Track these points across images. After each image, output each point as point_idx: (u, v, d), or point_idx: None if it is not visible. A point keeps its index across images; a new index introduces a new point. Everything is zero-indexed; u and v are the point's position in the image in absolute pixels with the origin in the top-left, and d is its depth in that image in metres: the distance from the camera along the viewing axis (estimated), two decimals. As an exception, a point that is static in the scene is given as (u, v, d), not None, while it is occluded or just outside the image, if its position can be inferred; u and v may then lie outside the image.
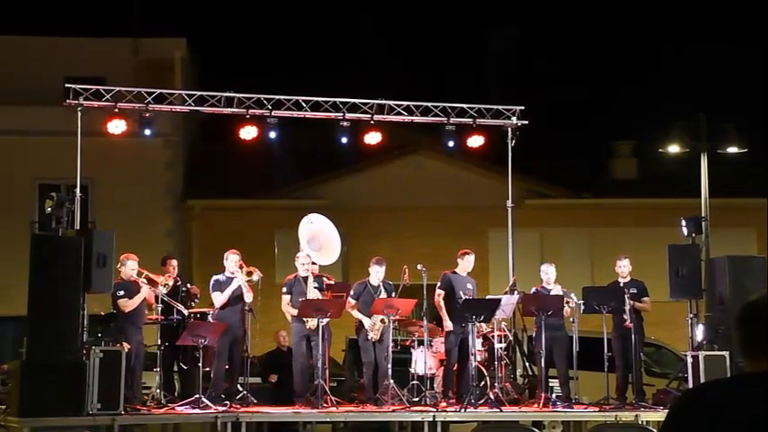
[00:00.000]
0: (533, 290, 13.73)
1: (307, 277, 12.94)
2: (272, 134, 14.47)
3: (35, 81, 23.54)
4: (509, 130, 15.08)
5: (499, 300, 13.11)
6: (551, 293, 13.22)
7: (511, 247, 15.05)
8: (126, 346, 11.96)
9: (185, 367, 13.16)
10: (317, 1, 33.67)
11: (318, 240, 13.66)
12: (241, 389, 12.87)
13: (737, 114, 22.67)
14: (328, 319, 12.68)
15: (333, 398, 12.43)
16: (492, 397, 12.31)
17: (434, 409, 12.16)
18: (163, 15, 27.27)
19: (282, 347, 15.04)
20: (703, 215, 17.26)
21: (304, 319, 12.71)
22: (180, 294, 13.25)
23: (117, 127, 14.14)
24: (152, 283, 12.72)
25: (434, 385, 13.18)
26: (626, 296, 13.07)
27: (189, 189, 24.97)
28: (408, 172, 24.74)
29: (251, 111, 14.33)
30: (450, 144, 15.22)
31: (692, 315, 13.38)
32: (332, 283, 13.44)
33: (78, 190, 13.24)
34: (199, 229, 24.59)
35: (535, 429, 11.77)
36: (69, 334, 11.59)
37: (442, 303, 13.18)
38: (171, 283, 13.01)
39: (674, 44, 30.90)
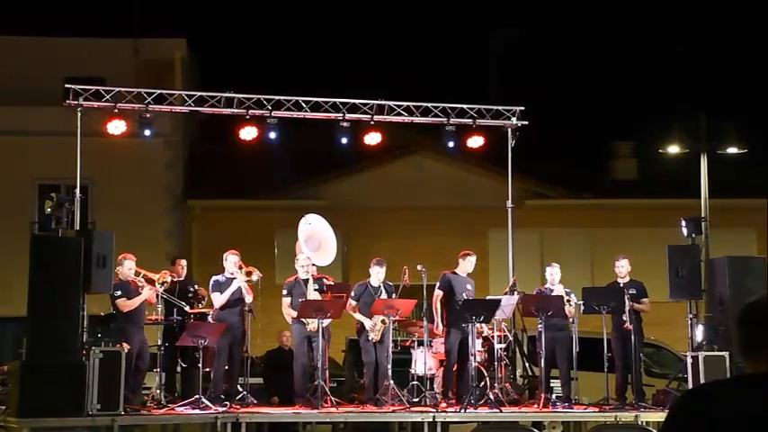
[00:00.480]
0: (537, 290, 13.74)
1: (307, 280, 12.94)
2: (272, 134, 14.47)
3: (35, 81, 23.54)
4: (509, 130, 15.08)
5: (499, 300, 13.11)
6: (554, 294, 13.22)
7: (511, 247, 15.05)
8: (126, 346, 11.95)
9: (185, 366, 13.16)
10: (316, 1, 33.69)
11: (316, 241, 13.67)
12: (241, 389, 12.88)
13: (737, 115, 22.72)
14: (329, 320, 12.69)
15: (333, 398, 12.44)
16: (492, 397, 12.31)
17: (434, 410, 12.16)
18: (163, 16, 27.30)
19: (285, 347, 15.03)
20: (703, 216, 17.29)
21: (304, 320, 12.71)
22: (188, 295, 13.22)
23: (117, 127, 14.14)
24: (150, 282, 12.73)
25: (434, 386, 13.18)
26: (626, 297, 13.07)
27: (189, 189, 24.97)
28: (408, 172, 24.75)
29: (251, 111, 14.33)
30: (451, 144, 15.22)
31: (691, 316, 13.37)
32: (331, 283, 13.44)
33: (78, 190, 13.24)
34: (199, 229, 24.59)
35: (535, 430, 11.77)
36: (69, 334, 11.59)
37: (438, 305, 13.17)
38: (169, 280, 13.01)
39: (674, 44, 30.92)
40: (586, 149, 27.45)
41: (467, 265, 13.42)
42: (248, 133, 14.50)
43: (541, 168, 24.74)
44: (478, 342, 13.17)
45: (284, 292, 13.11)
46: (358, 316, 13.02)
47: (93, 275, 11.79)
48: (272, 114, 14.33)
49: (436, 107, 14.83)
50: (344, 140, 14.75)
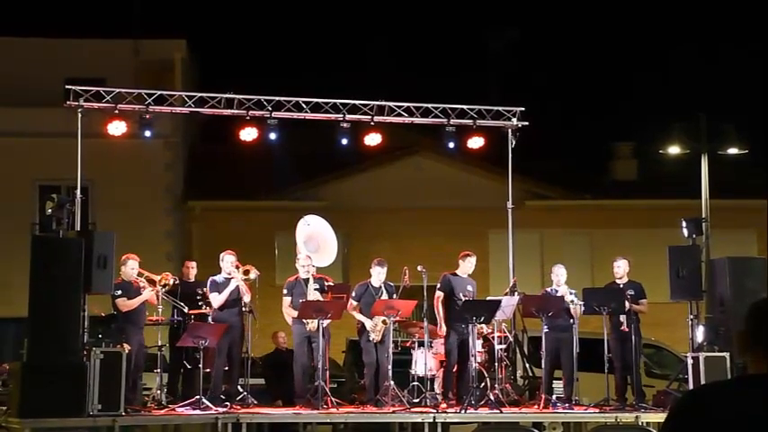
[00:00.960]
0: (543, 291, 13.74)
1: (307, 279, 12.94)
2: (273, 135, 14.48)
3: (35, 82, 23.55)
4: (509, 131, 15.08)
5: (499, 301, 13.11)
6: (557, 295, 13.22)
7: (511, 248, 15.06)
8: (126, 347, 11.96)
9: (189, 366, 13.17)
10: (317, 2, 33.69)
11: (315, 242, 13.67)
12: (241, 390, 12.88)
13: (737, 115, 22.72)
14: (329, 321, 12.69)
15: (333, 399, 12.44)
16: (492, 398, 12.31)
17: (435, 411, 12.17)
18: (163, 16, 27.30)
19: (281, 348, 15.04)
20: (704, 216, 17.28)
21: (304, 320, 12.71)
22: (196, 297, 13.21)
23: (117, 128, 14.15)
24: (151, 283, 12.74)
25: (435, 386, 13.17)
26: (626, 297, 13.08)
27: (189, 190, 24.97)
28: (408, 173, 24.75)
29: (251, 112, 14.33)
30: (451, 145, 15.23)
31: (692, 316, 13.37)
32: (331, 284, 13.44)
33: (79, 191, 13.26)
34: (199, 230, 24.58)
35: (535, 430, 11.78)
36: (70, 335, 11.59)
37: (440, 306, 13.16)
38: (171, 282, 13.02)
39: (674, 45, 30.92)
40: (587, 150, 27.46)
41: (467, 265, 13.41)
42: (248, 134, 14.51)
43: (542, 169, 24.74)
44: (479, 343, 13.17)
45: (285, 291, 13.11)
46: (359, 316, 13.02)
47: (93, 276, 11.80)
48: (273, 115, 14.34)
49: (436, 108, 14.83)
50: (345, 141, 14.76)
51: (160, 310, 12.98)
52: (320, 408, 12.14)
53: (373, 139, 15.03)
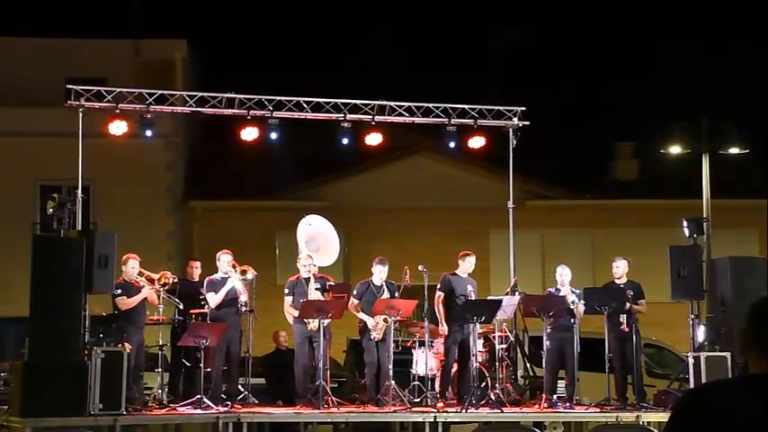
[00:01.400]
0: (547, 291, 13.75)
1: (308, 279, 12.95)
2: (274, 135, 14.48)
3: (36, 82, 23.55)
4: (510, 130, 15.08)
5: (500, 301, 13.11)
6: (560, 295, 13.22)
7: (512, 248, 15.06)
8: (128, 346, 11.98)
9: (188, 365, 13.18)
10: (318, 2, 33.70)
11: (317, 242, 13.68)
12: (242, 389, 12.88)
13: (739, 115, 22.69)
14: (329, 320, 12.69)
15: (334, 398, 12.45)
16: (493, 398, 12.32)
17: (435, 410, 12.17)
18: (163, 16, 27.32)
19: (282, 348, 15.04)
20: (705, 216, 17.28)
21: (305, 320, 12.72)
22: (199, 297, 13.22)
23: (118, 128, 14.15)
24: (151, 282, 12.76)
25: (435, 386, 13.17)
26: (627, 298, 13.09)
27: (190, 190, 24.97)
28: (409, 173, 24.74)
29: (252, 112, 14.34)
30: (452, 145, 15.22)
31: (693, 316, 13.37)
32: (332, 283, 13.45)
33: (80, 191, 13.29)
34: (200, 230, 24.58)
35: (536, 430, 11.78)
36: (71, 334, 11.60)
37: (441, 306, 13.16)
38: (171, 281, 13.03)
39: (674, 44, 30.91)
40: (587, 150, 27.44)
41: (467, 265, 13.41)
42: (249, 134, 14.51)
43: (542, 169, 24.73)
44: (480, 342, 13.17)
45: (286, 291, 13.11)
46: (360, 315, 13.03)
47: (94, 276, 11.81)
48: (273, 115, 14.34)
49: (437, 107, 14.83)
50: (345, 141, 14.76)
51: (161, 309, 12.99)
52: (321, 407, 12.15)
53: (374, 139, 15.03)
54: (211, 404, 12.09)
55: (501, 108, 15.00)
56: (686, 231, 13.67)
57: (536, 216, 22.96)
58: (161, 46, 25.40)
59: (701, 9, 31.14)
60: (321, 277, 13.18)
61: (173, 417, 12.31)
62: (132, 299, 12.45)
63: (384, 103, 14.69)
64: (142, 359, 12.73)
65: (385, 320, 12.80)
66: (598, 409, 12.77)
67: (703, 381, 12.14)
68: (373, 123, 14.74)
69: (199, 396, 12.14)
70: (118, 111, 14.00)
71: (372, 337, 12.91)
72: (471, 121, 14.87)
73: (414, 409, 12.34)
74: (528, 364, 14.59)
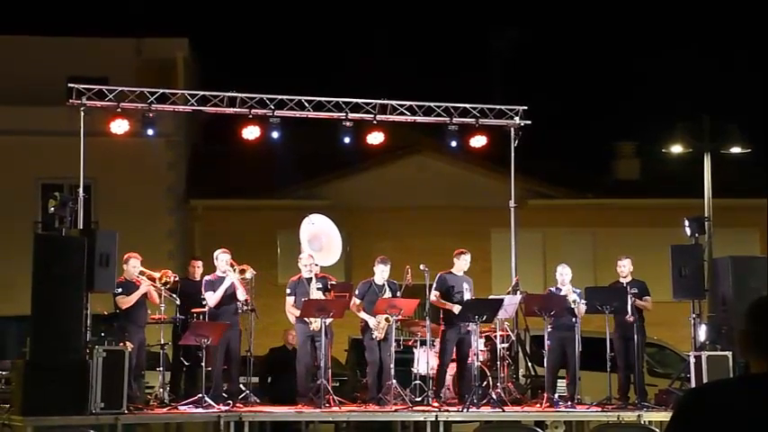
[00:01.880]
0: (548, 290, 13.75)
1: (310, 278, 12.95)
2: (275, 134, 14.48)
3: (38, 81, 23.54)
4: (512, 130, 15.07)
5: (502, 300, 13.11)
6: (561, 294, 13.22)
7: (513, 247, 15.06)
8: (129, 345, 11.98)
9: (188, 364, 13.19)
10: (319, 1, 33.70)
11: (320, 241, 13.68)
12: (244, 388, 12.88)
13: (740, 115, 22.68)
14: (331, 320, 12.69)
15: (335, 397, 12.45)
16: (494, 397, 12.33)
17: (437, 409, 12.17)
18: (165, 15, 27.35)
19: (289, 346, 15.03)
20: (706, 215, 17.28)
21: (307, 319, 12.72)
22: (200, 296, 13.22)
23: (120, 127, 14.15)
24: (151, 280, 12.76)
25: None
26: (629, 296, 13.08)
27: (191, 189, 24.97)
28: (411, 172, 24.75)
29: (253, 111, 14.34)
30: (453, 144, 15.22)
31: (694, 315, 13.38)
32: (334, 283, 13.45)
33: (81, 190, 13.29)
34: (201, 229, 24.58)
35: (537, 429, 11.77)
36: (72, 333, 11.61)
37: (441, 300, 13.14)
38: (172, 279, 13.03)
39: (676, 44, 30.91)
40: (589, 149, 27.44)
41: (462, 263, 13.41)
42: (251, 133, 14.51)
43: (544, 168, 24.73)
44: (481, 341, 13.17)
45: (288, 291, 13.11)
46: (362, 314, 13.03)
47: (96, 274, 11.81)
48: (275, 114, 14.34)
49: (439, 107, 14.83)
50: (347, 140, 14.76)
51: (162, 308, 13.00)
52: (322, 406, 12.15)
53: (376, 138, 15.03)
54: (213, 403, 12.09)
55: (503, 107, 15.00)
56: (688, 231, 13.68)
57: (537, 215, 22.96)
58: (162, 45, 25.41)
59: (702, 9, 31.13)
60: (323, 277, 13.18)
61: (174, 416, 12.32)
62: (132, 296, 12.45)
63: (386, 102, 14.69)
64: (143, 358, 12.74)
65: (387, 320, 12.80)
66: (599, 409, 12.77)
67: (704, 380, 12.14)
68: (375, 122, 14.73)
69: (200, 395, 12.14)
70: (119, 110, 14.00)
71: (374, 336, 12.91)
72: (473, 120, 14.87)
73: (415, 408, 12.34)
74: (529, 364, 14.60)
